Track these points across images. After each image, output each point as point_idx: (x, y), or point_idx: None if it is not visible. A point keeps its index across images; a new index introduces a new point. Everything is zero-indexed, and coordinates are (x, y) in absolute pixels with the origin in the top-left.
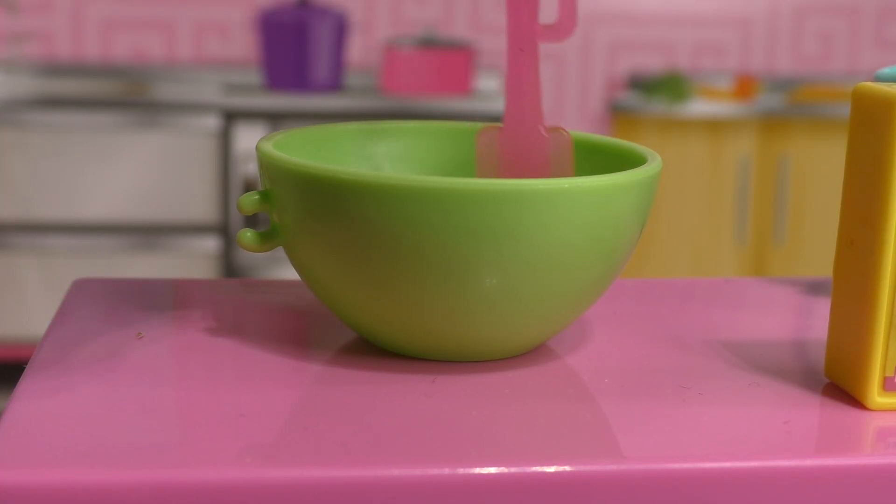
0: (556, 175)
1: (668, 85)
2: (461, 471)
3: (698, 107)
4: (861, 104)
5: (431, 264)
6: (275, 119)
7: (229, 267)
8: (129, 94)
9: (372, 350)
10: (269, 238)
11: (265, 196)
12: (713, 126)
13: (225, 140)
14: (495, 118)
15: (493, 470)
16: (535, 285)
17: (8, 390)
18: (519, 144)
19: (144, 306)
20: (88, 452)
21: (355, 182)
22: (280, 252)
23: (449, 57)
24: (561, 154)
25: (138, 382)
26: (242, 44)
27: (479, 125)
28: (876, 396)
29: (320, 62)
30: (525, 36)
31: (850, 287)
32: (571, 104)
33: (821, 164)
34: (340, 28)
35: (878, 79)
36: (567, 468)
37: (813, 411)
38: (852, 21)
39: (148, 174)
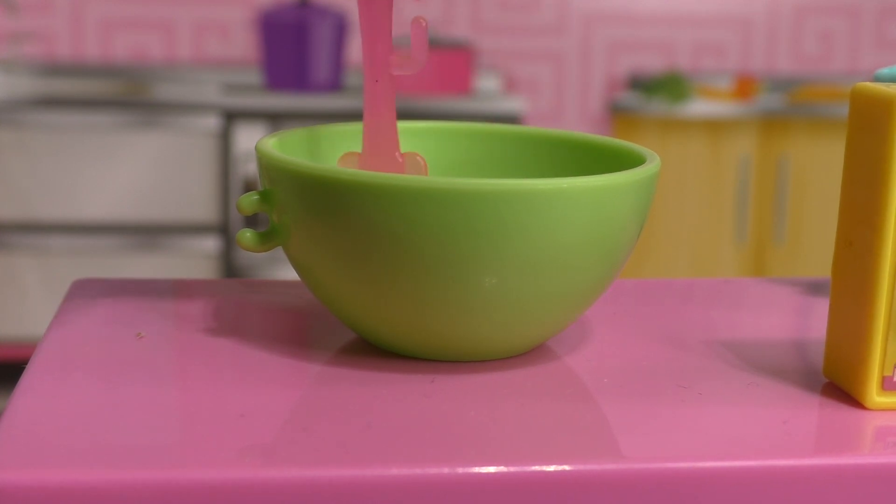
0: None
1: (668, 85)
2: (461, 471)
3: (698, 107)
4: (860, 104)
5: (431, 264)
6: (275, 119)
7: (229, 267)
8: (129, 94)
9: (372, 350)
10: (268, 238)
11: (265, 196)
12: (713, 126)
13: (225, 140)
14: (495, 118)
15: (492, 470)
16: (534, 285)
17: (8, 390)
18: (376, 169)
19: (144, 306)
20: (88, 452)
21: (355, 182)
22: (280, 252)
23: (449, 57)
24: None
25: (138, 382)
26: (242, 44)
27: (480, 125)
28: (875, 396)
29: (320, 62)
30: (379, 67)
31: (849, 287)
32: (571, 104)
33: (821, 164)
34: (340, 28)
35: (878, 79)
36: (567, 468)
37: (812, 411)
38: (852, 21)
39: (148, 174)
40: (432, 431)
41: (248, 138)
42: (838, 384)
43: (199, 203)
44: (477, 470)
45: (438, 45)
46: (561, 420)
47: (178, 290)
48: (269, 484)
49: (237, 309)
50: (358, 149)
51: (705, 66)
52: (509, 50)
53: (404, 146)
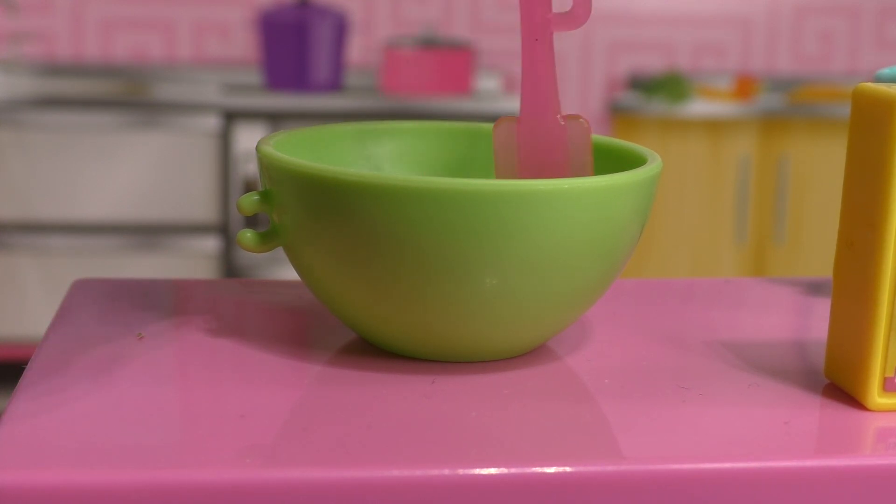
0: (576, 164)
1: (668, 85)
2: (461, 471)
3: (698, 107)
4: (861, 104)
5: (431, 264)
6: (275, 119)
7: (229, 267)
8: (129, 94)
9: (372, 350)
10: (269, 238)
11: (265, 196)
12: (713, 126)
13: (225, 140)
14: (495, 118)
15: (493, 470)
16: (534, 286)
17: (8, 390)
18: (537, 135)
19: (144, 306)
20: (88, 452)
21: (355, 182)
22: (280, 252)
23: (449, 57)
24: (580, 142)
25: (138, 383)
26: (242, 44)
27: (480, 125)
28: (876, 397)
29: (320, 62)
30: (539, 25)
31: (850, 287)
32: (571, 104)
33: (821, 164)
34: (340, 28)
35: (878, 79)
36: (567, 468)
37: (813, 412)
38: (852, 21)
39: (148, 174)
40: (433, 432)
41: (248, 138)
42: (839, 385)
43: (199, 203)
44: (477, 471)
45: (438, 45)
46: (561, 421)
47: (178, 290)
48: (269, 484)
49: (237, 309)
50: (354, 147)
51: (705, 66)
52: (509, 50)
53: (403, 146)
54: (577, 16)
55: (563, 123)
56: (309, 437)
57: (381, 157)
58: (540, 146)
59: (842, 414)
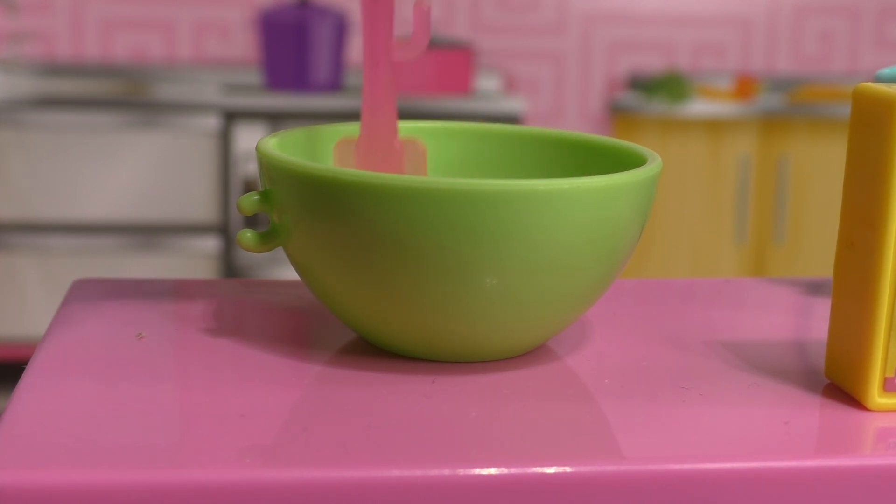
0: None
1: (668, 85)
2: (461, 471)
3: (698, 107)
4: (861, 104)
5: (431, 264)
6: (275, 119)
7: (229, 267)
8: (129, 94)
9: (372, 350)
10: (269, 238)
11: (265, 196)
12: (713, 126)
13: (225, 140)
14: (495, 118)
15: (493, 470)
16: (534, 286)
17: (8, 390)
18: (374, 156)
19: (144, 306)
20: (88, 452)
21: (355, 182)
22: (280, 252)
23: (449, 57)
24: (415, 164)
25: (138, 382)
26: (242, 44)
27: (480, 125)
28: (876, 397)
29: (320, 62)
30: (379, 51)
31: (851, 287)
32: (571, 104)
33: (821, 164)
34: (340, 28)
35: (878, 79)
36: (567, 468)
37: (813, 412)
38: (852, 21)
39: (148, 174)
40: (433, 432)
41: (248, 138)
42: (839, 385)
43: (199, 203)
44: (477, 471)
45: (438, 45)
46: (561, 421)
47: (178, 290)
48: (269, 484)
49: (237, 309)
50: None
51: (705, 66)
52: (509, 50)
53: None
54: (417, 43)
55: (398, 146)
56: (309, 437)
57: None
58: (376, 167)
59: (842, 414)
